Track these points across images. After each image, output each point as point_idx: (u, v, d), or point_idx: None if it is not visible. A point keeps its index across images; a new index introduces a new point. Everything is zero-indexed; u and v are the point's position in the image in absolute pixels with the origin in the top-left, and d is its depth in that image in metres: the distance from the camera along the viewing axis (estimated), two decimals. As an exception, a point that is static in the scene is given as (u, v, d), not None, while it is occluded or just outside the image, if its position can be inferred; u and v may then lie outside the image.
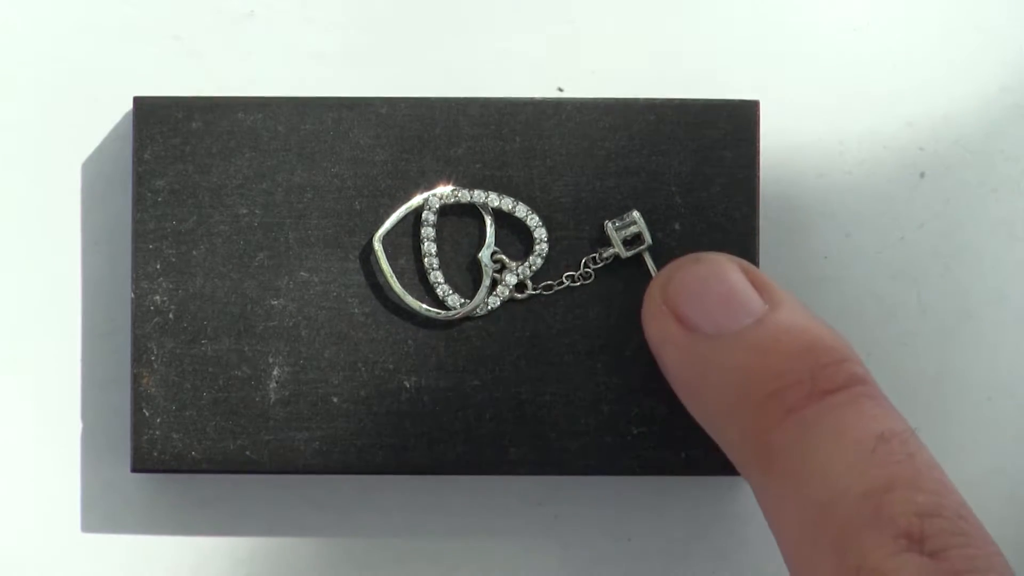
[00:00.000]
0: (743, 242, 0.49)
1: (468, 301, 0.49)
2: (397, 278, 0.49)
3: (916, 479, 0.41)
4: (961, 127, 0.51)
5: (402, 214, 0.49)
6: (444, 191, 0.49)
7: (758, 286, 0.46)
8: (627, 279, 0.49)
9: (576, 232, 0.49)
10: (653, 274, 0.48)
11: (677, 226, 0.49)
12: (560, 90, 0.51)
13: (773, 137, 0.51)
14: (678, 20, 0.51)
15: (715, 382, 0.44)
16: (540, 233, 0.49)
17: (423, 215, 0.49)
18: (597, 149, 0.49)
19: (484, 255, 0.49)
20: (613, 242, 0.49)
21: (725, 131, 0.49)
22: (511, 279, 0.49)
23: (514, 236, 0.49)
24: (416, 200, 0.49)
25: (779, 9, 0.51)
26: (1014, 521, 0.51)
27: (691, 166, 0.49)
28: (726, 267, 0.46)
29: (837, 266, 0.51)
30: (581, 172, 0.49)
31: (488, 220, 0.49)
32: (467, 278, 0.49)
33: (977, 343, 0.51)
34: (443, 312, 0.49)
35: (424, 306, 0.49)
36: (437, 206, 0.49)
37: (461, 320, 0.49)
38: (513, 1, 0.51)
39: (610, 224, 0.49)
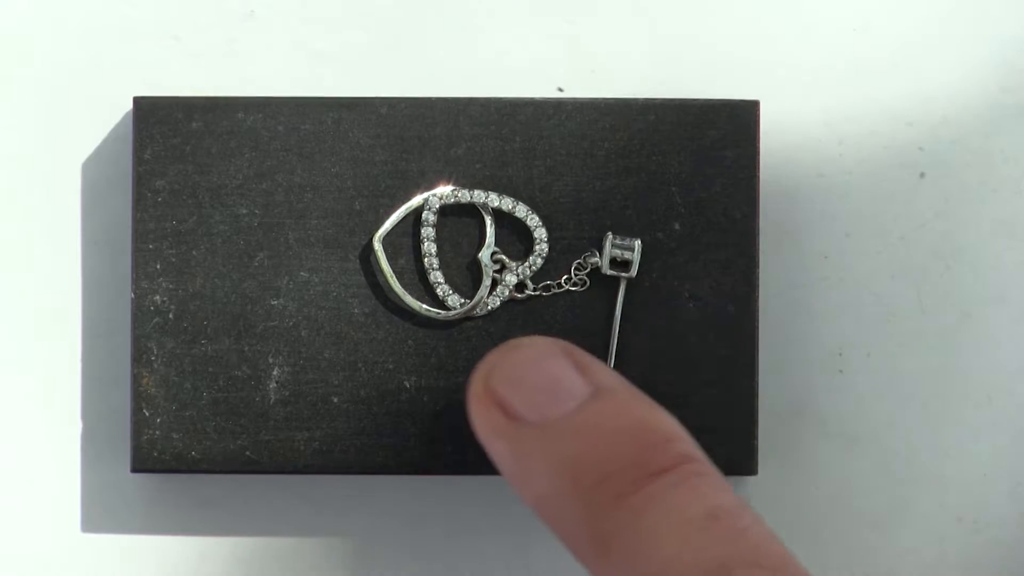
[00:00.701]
0: (743, 242, 0.49)
1: (468, 301, 0.49)
2: (397, 278, 0.49)
3: (753, 555, 0.41)
4: (961, 127, 0.51)
5: (402, 214, 0.49)
6: (444, 191, 0.49)
7: (582, 368, 0.45)
8: (627, 281, 0.49)
9: (576, 232, 0.49)
10: (619, 304, 0.49)
11: (677, 226, 0.49)
12: (560, 90, 0.51)
13: (773, 137, 0.51)
14: (678, 20, 0.51)
15: (543, 471, 0.43)
16: (540, 233, 0.49)
17: (423, 215, 0.49)
18: (597, 149, 0.49)
19: (484, 255, 0.49)
20: (603, 254, 0.49)
21: (725, 131, 0.49)
22: (511, 279, 0.49)
23: (514, 236, 0.49)
24: (416, 200, 0.49)
25: (779, 9, 0.51)
26: (1014, 521, 0.51)
27: (691, 166, 0.49)
28: (546, 352, 0.45)
29: (837, 266, 0.51)
30: (581, 172, 0.49)
31: (488, 220, 0.49)
32: (467, 278, 0.49)
33: (977, 343, 0.51)
34: (443, 312, 0.49)
35: (424, 306, 0.49)
36: (437, 206, 0.49)
37: (461, 320, 0.49)
38: (513, 1, 0.51)
39: (611, 236, 0.49)
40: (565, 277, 0.49)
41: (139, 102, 0.49)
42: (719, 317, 0.49)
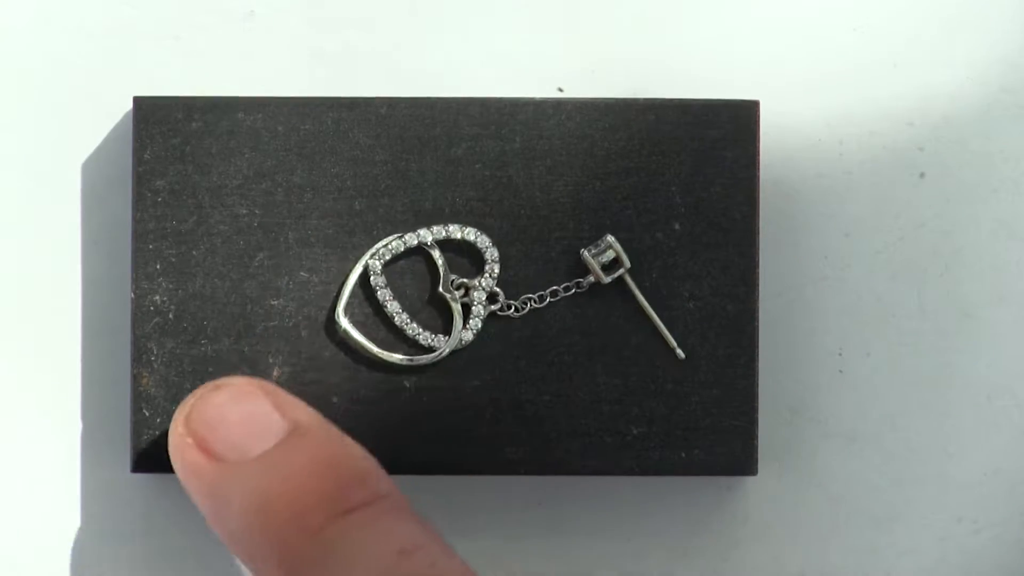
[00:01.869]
0: (743, 242, 0.49)
1: (447, 338, 0.49)
2: (375, 343, 0.48)
3: None
4: (961, 127, 0.51)
5: (353, 283, 0.49)
6: (381, 247, 0.49)
7: (280, 407, 0.45)
8: (628, 272, 0.49)
9: (576, 232, 0.49)
10: (637, 295, 0.49)
11: (677, 226, 0.49)
12: (560, 90, 0.51)
13: (773, 137, 0.51)
14: (678, 20, 0.51)
15: (239, 509, 0.44)
16: (483, 241, 0.49)
17: (371, 280, 0.48)
18: (597, 149, 0.49)
19: (444, 289, 0.49)
20: (591, 269, 0.49)
21: (725, 131, 0.49)
22: (480, 296, 0.49)
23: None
24: (360, 266, 0.49)
25: (779, 9, 0.51)
26: (1014, 521, 0.51)
27: (691, 166, 0.49)
28: (245, 391, 0.46)
29: (837, 266, 0.51)
30: (581, 172, 0.49)
31: (436, 254, 0.49)
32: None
33: (977, 343, 0.51)
34: (430, 355, 0.48)
35: (411, 358, 0.48)
36: (380, 267, 0.49)
37: (451, 355, 0.49)
38: (513, 1, 0.51)
39: (585, 252, 0.49)
40: (550, 289, 0.49)
41: (139, 102, 0.49)
42: (719, 317, 0.49)
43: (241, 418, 0.45)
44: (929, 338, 0.51)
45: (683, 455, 0.49)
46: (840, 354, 0.51)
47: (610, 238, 0.49)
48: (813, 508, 0.51)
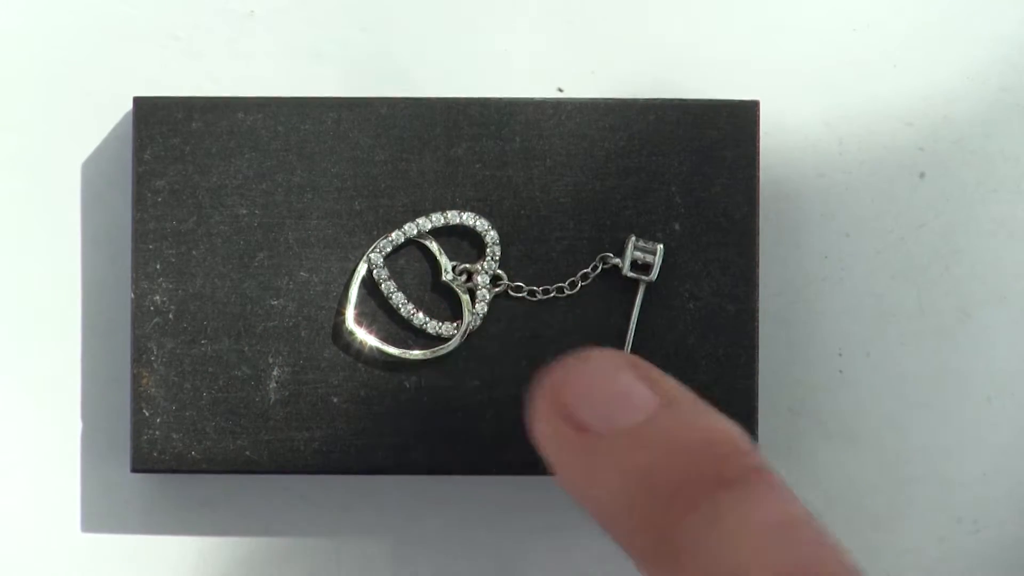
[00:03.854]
0: (743, 242, 0.49)
1: (460, 322, 0.49)
2: (389, 342, 0.49)
3: (831, 562, 0.41)
4: (961, 127, 0.51)
5: (357, 286, 0.49)
6: (380, 243, 0.49)
7: (650, 381, 0.45)
8: (626, 280, 0.49)
9: (576, 232, 0.49)
10: (637, 307, 0.49)
11: (677, 226, 0.49)
12: (560, 90, 0.51)
13: (773, 137, 0.51)
14: (678, 20, 0.51)
15: (611, 483, 0.43)
16: (482, 224, 0.49)
17: (374, 275, 0.49)
18: (597, 149, 0.49)
19: (447, 277, 0.49)
20: (625, 254, 0.48)
21: (725, 131, 0.49)
22: (484, 280, 0.49)
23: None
24: (361, 267, 0.49)
25: (779, 9, 0.51)
26: (1014, 521, 0.51)
27: (691, 166, 0.49)
28: (615, 363, 0.45)
29: (837, 266, 0.51)
30: (581, 172, 0.49)
31: (432, 245, 0.49)
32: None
33: (977, 343, 0.51)
34: (446, 346, 0.49)
35: (427, 352, 0.48)
36: (381, 262, 0.49)
37: (466, 339, 0.49)
38: (513, 1, 0.51)
39: (635, 238, 0.49)
40: (570, 281, 0.49)
41: (139, 102, 0.49)
42: (719, 317, 0.49)
43: (612, 391, 0.44)
44: (929, 338, 0.51)
45: (683, 455, 0.49)
46: (840, 354, 0.51)
47: (660, 247, 0.48)
48: (813, 508, 0.51)
